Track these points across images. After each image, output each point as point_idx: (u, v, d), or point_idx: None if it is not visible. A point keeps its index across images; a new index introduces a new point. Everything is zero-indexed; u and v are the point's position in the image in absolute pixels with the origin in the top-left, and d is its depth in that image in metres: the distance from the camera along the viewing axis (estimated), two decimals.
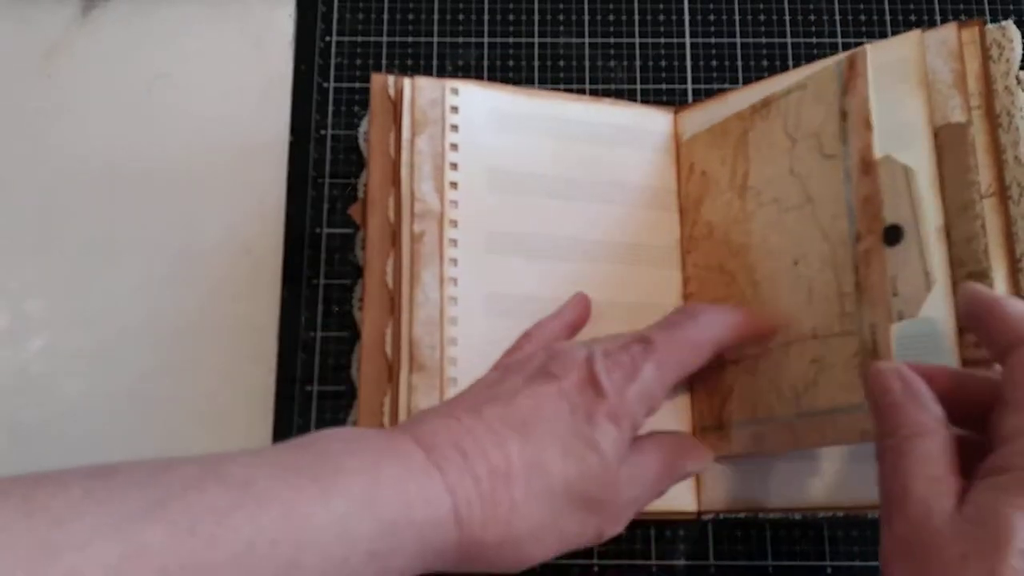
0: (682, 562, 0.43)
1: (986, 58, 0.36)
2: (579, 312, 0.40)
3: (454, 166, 0.41)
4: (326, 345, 0.46)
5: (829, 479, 0.38)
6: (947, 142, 0.36)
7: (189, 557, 0.24)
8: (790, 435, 0.36)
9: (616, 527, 0.34)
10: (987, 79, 0.36)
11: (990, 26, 0.37)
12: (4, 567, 0.21)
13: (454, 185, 0.40)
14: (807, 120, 0.37)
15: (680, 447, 0.37)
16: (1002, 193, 0.35)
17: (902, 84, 0.37)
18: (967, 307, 0.31)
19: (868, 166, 0.34)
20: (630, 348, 0.34)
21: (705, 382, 0.41)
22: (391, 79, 0.42)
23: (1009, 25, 0.37)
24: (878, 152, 0.34)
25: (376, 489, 0.28)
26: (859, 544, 0.43)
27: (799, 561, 0.43)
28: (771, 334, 0.37)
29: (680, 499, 0.40)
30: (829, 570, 0.43)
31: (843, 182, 0.35)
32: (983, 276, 0.34)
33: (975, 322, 0.31)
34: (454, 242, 0.40)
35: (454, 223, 0.40)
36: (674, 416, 0.41)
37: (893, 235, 0.33)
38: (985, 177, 0.35)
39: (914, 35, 0.37)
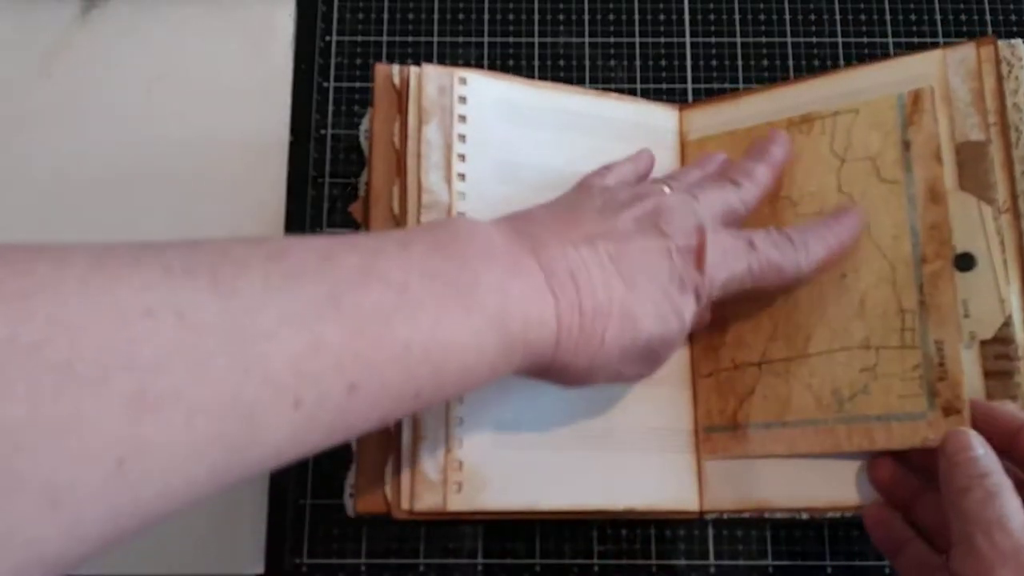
0: (682, 562, 0.43)
1: (999, 75, 0.37)
2: (649, 164, 0.42)
3: (462, 157, 0.40)
4: None
5: (836, 479, 0.38)
6: (967, 160, 0.37)
7: (359, 354, 0.26)
8: (830, 438, 0.38)
9: (652, 375, 0.36)
10: (1001, 96, 0.37)
11: (1000, 42, 0.38)
12: (207, 349, 0.23)
13: (462, 176, 0.40)
14: (859, 143, 0.40)
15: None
16: (1015, 209, 0.36)
17: None
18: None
19: (937, 196, 0.37)
20: (737, 241, 0.36)
21: (716, 383, 0.41)
22: (396, 68, 0.41)
23: (1018, 43, 0.38)
24: (948, 184, 0.37)
25: (505, 308, 0.30)
26: (859, 544, 0.43)
27: (799, 561, 0.43)
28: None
29: (683, 499, 0.40)
30: (829, 570, 0.43)
31: (906, 207, 0.38)
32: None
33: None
34: None
35: (462, 215, 0.40)
36: (675, 416, 0.41)
37: (965, 262, 0.36)
38: (1001, 193, 0.37)
39: (936, 54, 0.39)
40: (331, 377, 0.25)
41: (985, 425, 0.34)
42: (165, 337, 0.22)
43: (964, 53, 0.38)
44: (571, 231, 0.33)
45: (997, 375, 0.35)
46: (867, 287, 0.38)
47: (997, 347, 0.35)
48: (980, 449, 0.33)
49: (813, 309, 0.39)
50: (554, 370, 0.33)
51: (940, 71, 0.38)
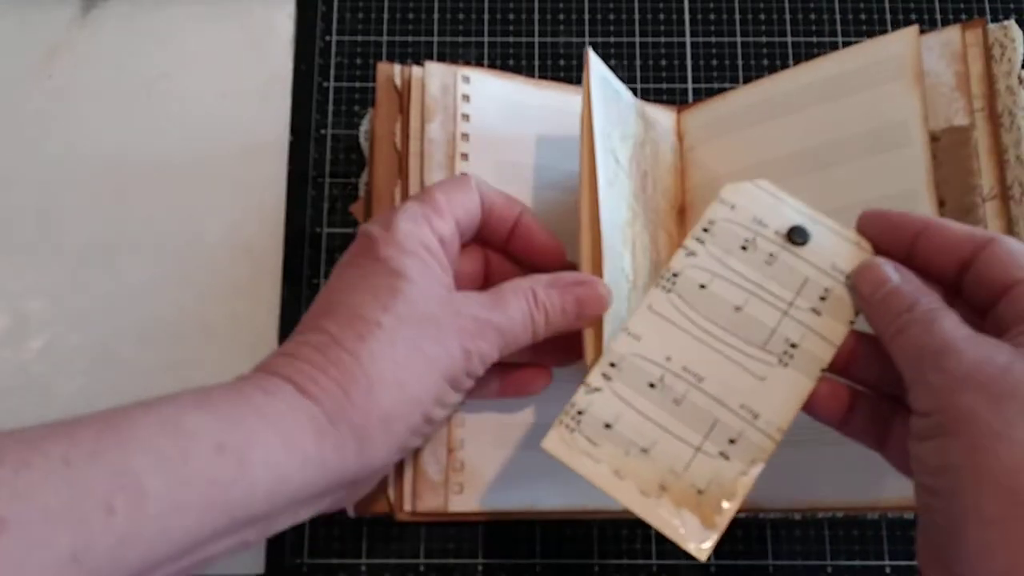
0: (682, 562, 0.43)
1: (988, 58, 0.36)
2: None
3: (464, 156, 0.40)
4: None
5: (828, 479, 0.38)
6: (949, 145, 0.36)
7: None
8: None
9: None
10: (990, 80, 0.36)
11: (991, 25, 0.37)
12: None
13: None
14: None
15: None
16: (1004, 195, 0.35)
17: (895, 82, 0.37)
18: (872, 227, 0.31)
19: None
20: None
21: None
22: (397, 68, 0.41)
23: (1011, 24, 0.37)
24: (600, 156, 0.34)
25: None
26: (859, 544, 0.43)
27: (799, 561, 0.43)
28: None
29: None
30: (829, 570, 0.43)
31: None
32: None
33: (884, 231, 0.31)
34: None
35: None
36: None
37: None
38: (988, 180, 0.35)
39: (910, 31, 0.37)
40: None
41: (880, 235, 0.31)
42: None
43: (948, 36, 0.37)
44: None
45: None
46: None
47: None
48: (895, 276, 0.30)
49: None
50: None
51: (914, 49, 0.37)
